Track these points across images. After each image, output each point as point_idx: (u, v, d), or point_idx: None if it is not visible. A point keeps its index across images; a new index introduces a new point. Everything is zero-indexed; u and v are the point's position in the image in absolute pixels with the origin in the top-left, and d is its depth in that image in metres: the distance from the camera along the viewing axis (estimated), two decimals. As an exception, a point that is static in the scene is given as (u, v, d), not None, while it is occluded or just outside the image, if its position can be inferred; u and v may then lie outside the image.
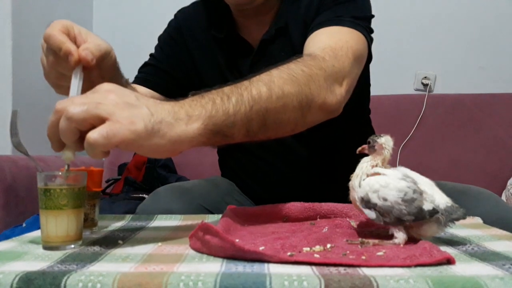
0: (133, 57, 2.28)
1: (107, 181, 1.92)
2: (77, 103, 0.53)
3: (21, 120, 0.63)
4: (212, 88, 0.63)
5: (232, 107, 0.61)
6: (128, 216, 0.80)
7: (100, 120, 0.52)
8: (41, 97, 1.87)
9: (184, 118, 0.57)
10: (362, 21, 0.87)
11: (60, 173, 0.58)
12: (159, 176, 1.91)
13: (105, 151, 0.54)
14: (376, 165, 0.60)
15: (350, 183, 0.61)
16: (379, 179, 0.57)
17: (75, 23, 0.69)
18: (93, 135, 0.52)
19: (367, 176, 0.59)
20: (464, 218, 0.56)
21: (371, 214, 0.57)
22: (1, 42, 1.65)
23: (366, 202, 0.57)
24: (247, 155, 1.04)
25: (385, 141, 0.60)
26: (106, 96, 0.54)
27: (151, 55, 1.13)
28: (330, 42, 0.80)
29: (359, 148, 0.63)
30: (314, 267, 0.46)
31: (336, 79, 0.74)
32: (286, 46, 0.97)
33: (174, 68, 1.06)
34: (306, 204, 0.75)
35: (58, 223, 0.56)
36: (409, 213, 0.55)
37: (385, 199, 0.56)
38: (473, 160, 1.90)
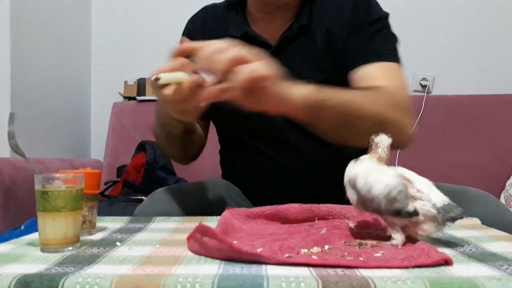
0: (131, 57, 2.30)
1: (105, 183, 1.92)
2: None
3: (18, 122, 0.63)
4: None
5: (330, 95, 0.76)
6: (126, 218, 0.80)
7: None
8: (39, 99, 1.88)
9: (297, 85, 0.72)
10: (397, 52, 0.96)
11: (58, 175, 0.58)
12: (158, 178, 1.91)
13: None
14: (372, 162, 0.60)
15: (345, 181, 0.60)
16: (373, 168, 0.58)
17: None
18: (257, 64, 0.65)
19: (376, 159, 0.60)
20: (462, 217, 0.56)
21: (351, 195, 0.58)
22: (-1, 44, 1.65)
23: (353, 184, 0.58)
24: (252, 152, 1.02)
25: (380, 140, 0.61)
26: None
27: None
28: (393, 82, 0.89)
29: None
30: (312, 269, 0.46)
31: (409, 113, 0.86)
32: (308, 45, 0.98)
33: None
34: (305, 206, 0.75)
35: (56, 225, 0.56)
36: (384, 210, 0.55)
37: (369, 189, 0.56)
38: (472, 161, 1.90)
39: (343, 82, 0.94)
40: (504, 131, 1.90)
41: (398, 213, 0.55)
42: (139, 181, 1.90)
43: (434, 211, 0.54)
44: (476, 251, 0.54)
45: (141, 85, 2.16)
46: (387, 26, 0.98)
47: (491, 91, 2.03)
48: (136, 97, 2.15)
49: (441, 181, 0.82)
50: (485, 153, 1.90)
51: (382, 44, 0.95)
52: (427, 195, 0.56)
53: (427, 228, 0.56)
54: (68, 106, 2.13)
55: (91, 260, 0.51)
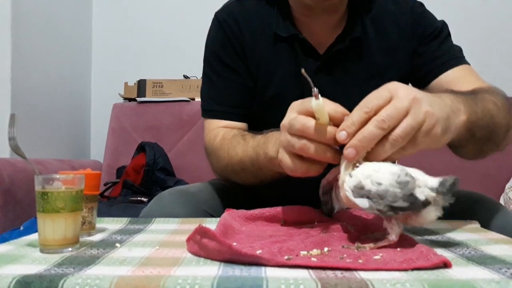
0: (131, 58, 2.30)
1: (105, 184, 1.92)
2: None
3: (18, 123, 0.63)
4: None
5: (480, 111, 0.70)
6: (126, 219, 0.80)
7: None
8: (39, 100, 1.88)
9: (456, 111, 0.64)
10: None
11: (58, 176, 0.59)
12: (157, 179, 1.91)
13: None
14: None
15: (339, 181, 0.59)
16: (370, 165, 0.56)
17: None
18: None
19: (356, 167, 0.57)
20: (457, 185, 0.54)
21: (363, 203, 0.55)
22: (0, 44, 1.65)
23: (359, 190, 0.55)
24: None
25: None
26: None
27: (217, 75, 1.00)
28: (482, 82, 0.92)
29: None
30: (311, 271, 0.46)
31: None
32: (363, 60, 0.95)
33: (242, 75, 0.98)
34: (304, 208, 0.76)
35: (56, 226, 0.56)
36: (403, 197, 0.53)
37: (379, 183, 0.54)
38: (471, 164, 1.88)
39: None
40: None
41: (414, 200, 0.53)
42: (138, 182, 1.90)
43: (433, 194, 0.54)
44: (475, 254, 0.54)
45: (141, 86, 2.16)
46: (449, 32, 1.01)
47: (490, 94, 2.04)
48: (136, 98, 2.15)
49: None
50: (485, 156, 1.90)
51: (455, 49, 0.98)
52: (424, 182, 0.54)
53: (428, 214, 0.54)
54: (68, 107, 2.13)
55: (91, 261, 0.51)
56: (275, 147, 0.73)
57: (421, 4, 1.02)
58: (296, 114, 0.63)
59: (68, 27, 2.13)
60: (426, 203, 0.54)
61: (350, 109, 0.86)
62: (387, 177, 0.54)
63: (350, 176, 0.56)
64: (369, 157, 0.58)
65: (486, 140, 0.75)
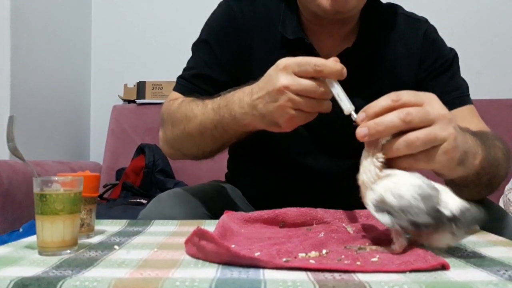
0: (131, 60, 2.30)
1: (104, 186, 1.92)
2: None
3: (18, 125, 0.63)
4: None
5: (491, 159, 0.71)
6: (125, 221, 0.80)
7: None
8: (39, 102, 1.88)
9: (474, 153, 0.65)
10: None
11: (56, 178, 0.59)
12: (157, 181, 1.91)
13: None
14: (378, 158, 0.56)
15: (361, 180, 0.56)
16: (391, 178, 0.54)
17: None
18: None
19: (378, 177, 0.55)
20: (480, 222, 0.51)
21: (385, 219, 0.52)
22: (-1, 46, 1.65)
23: (381, 203, 0.52)
24: (266, 166, 0.99)
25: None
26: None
27: (200, 57, 0.97)
28: (482, 126, 0.91)
29: None
30: (309, 273, 0.46)
31: None
32: (367, 78, 0.91)
33: (230, 67, 0.94)
34: (303, 210, 0.75)
35: (54, 228, 0.56)
36: (427, 211, 0.50)
37: (400, 196, 0.51)
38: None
39: None
40: (503, 136, 1.90)
41: (439, 215, 0.50)
42: (138, 184, 1.90)
43: (445, 221, 0.51)
44: (474, 256, 0.54)
45: (140, 88, 2.16)
46: (458, 65, 0.98)
47: (489, 95, 2.04)
48: (136, 100, 2.15)
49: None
50: (484, 158, 1.89)
51: (462, 86, 0.96)
52: (444, 202, 0.51)
53: (440, 238, 0.52)
54: (67, 108, 2.13)
55: (89, 263, 0.51)
56: (243, 109, 0.72)
57: (435, 30, 1.00)
58: (292, 74, 0.63)
59: (67, 29, 2.13)
60: (452, 219, 0.50)
61: (348, 124, 0.86)
62: (408, 189, 0.51)
63: (372, 189, 0.55)
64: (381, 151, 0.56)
65: (486, 186, 0.75)
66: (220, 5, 1.00)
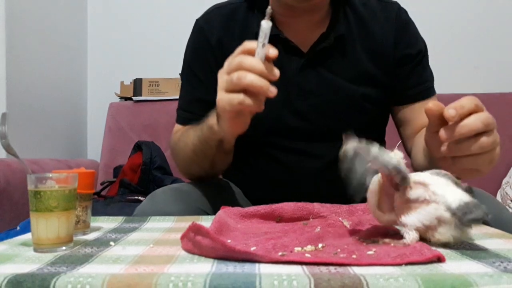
0: (127, 58, 2.29)
1: (102, 184, 1.92)
2: None
3: (14, 123, 0.62)
4: None
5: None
6: (121, 218, 0.80)
7: None
8: (35, 100, 1.87)
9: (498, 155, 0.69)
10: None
11: (51, 175, 0.58)
12: (154, 178, 1.91)
13: None
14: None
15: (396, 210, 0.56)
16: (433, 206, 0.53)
17: None
18: None
19: (410, 188, 0.54)
20: (484, 217, 0.51)
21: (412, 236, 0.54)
22: (-6, 45, 1.64)
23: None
24: (262, 156, 0.99)
25: (394, 155, 0.55)
26: None
27: (187, 83, 1.02)
28: None
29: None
30: (305, 267, 0.46)
31: None
32: (347, 58, 0.95)
33: (208, 89, 0.95)
34: (299, 204, 0.75)
35: (49, 225, 0.56)
36: (475, 206, 0.51)
37: (460, 199, 0.52)
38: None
39: (386, 99, 0.97)
40: (500, 129, 1.89)
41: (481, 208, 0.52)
42: (135, 181, 1.89)
43: (447, 214, 0.51)
44: (469, 248, 0.54)
45: (137, 85, 2.16)
46: (427, 55, 1.01)
47: (486, 89, 2.04)
48: (133, 98, 2.15)
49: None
50: (481, 152, 1.90)
51: (429, 78, 1.00)
52: (442, 197, 0.52)
53: (444, 232, 0.52)
54: (64, 106, 2.13)
55: (84, 259, 0.51)
56: (213, 115, 0.79)
57: (406, 12, 1.01)
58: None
59: (63, 26, 2.12)
60: (455, 213, 0.52)
61: (337, 106, 0.88)
62: (457, 191, 0.54)
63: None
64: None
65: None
66: (194, 25, 1.03)
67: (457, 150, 0.61)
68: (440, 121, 0.62)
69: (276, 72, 0.66)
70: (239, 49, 0.69)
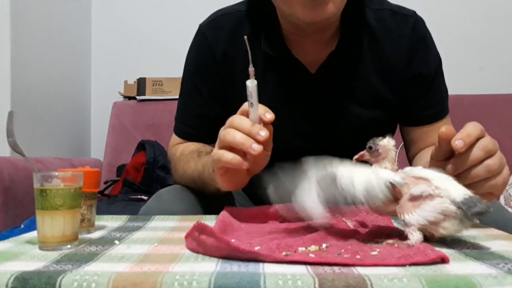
0: (131, 57, 2.30)
1: (105, 183, 1.93)
2: None
3: (19, 121, 0.63)
4: None
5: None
6: (126, 217, 0.80)
7: None
8: (39, 99, 1.88)
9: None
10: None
11: (56, 174, 0.59)
12: (157, 177, 1.91)
13: None
14: (385, 168, 0.58)
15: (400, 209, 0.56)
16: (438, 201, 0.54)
17: None
18: None
19: (408, 183, 0.55)
20: (487, 211, 0.51)
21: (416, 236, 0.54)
22: (-1, 43, 1.65)
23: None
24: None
25: (387, 142, 0.58)
26: None
27: (188, 95, 0.99)
28: None
29: (356, 156, 0.61)
30: (309, 267, 0.46)
31: None
32: (357, 80, 0.90)
33: (217, 100, 0.95)
34: (303, 205, 0.75)
35: (54, 223, 0.56)
36: (478, 201, 0.52)
37: (464, 192, 0.53)
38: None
39: (395, 120, 0.96)
40: (504, 131, 1.90)
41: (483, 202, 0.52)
42: (139, 181, 1.90)
43: (453, 207, 0.52)
44: (473, 250, 0.54)
45: (141, 84, 2.16)
46: (442, 72, 0.99)
47: (491, 91, 2.03)
48: (136, 97, 2.15)
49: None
50: (485, 153, 1.89)
51: (444, 98, 0.98)
52: (446, 191, 0.53)
53: (449, 226, 0.53)
54: (68, 105, 2.13)
55: (89, 258, 0.51)
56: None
57: (423, 25, 0.96)
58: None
59: (67, 25, 2.13)
60: (459, 206, 0.52)
61: (343, 129, 0.87)
62: (459, 185, 0.54)
63: (411, 213, 0.55)
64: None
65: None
66: (196, 33, 0.98)
67: (467, 178, 0.62)
68: (449, 146, 0.61)
69: (263, 133, 0.66)
70: (239, 110, 0.71)
